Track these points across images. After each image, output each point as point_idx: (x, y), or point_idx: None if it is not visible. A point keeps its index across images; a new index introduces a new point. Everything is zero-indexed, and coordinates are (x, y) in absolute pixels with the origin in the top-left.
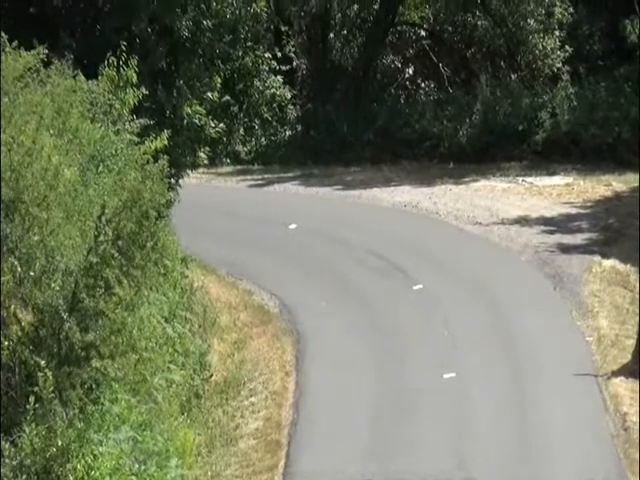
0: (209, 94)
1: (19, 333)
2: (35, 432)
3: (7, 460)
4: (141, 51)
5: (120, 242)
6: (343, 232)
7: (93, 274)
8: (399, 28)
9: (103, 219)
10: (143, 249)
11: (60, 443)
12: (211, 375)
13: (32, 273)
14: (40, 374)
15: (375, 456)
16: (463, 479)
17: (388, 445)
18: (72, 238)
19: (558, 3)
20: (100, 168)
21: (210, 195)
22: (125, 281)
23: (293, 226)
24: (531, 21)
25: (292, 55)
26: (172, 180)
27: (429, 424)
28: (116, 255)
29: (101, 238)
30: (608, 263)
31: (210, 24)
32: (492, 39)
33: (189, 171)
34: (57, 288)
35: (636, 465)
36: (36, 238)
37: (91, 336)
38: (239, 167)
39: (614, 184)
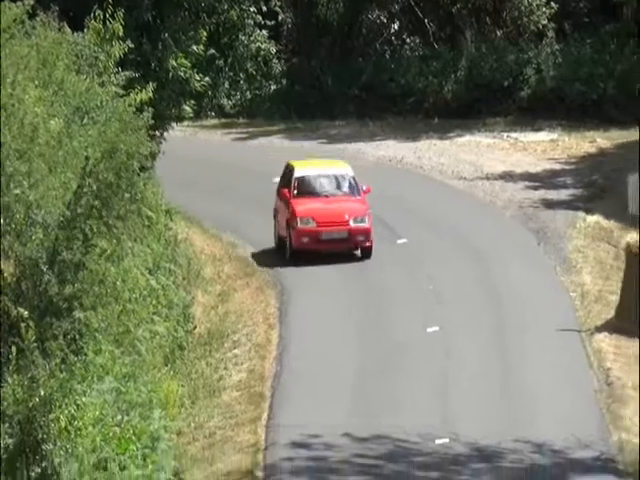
0: (194, 47)
1: (1, 283)
2: (17, 382)
3: None
4: (127, 4)
5: (100, 193)
6: None
7: (72, 226)
8: None
9: (87, 170)
10: (122, 200)
11: (43, 393)
12: (195, 327)
13: (13, 226)
14: (22, 324)
15: (358, 410)
16: (447, 433)
17: (371, 399)
18: (54, 189)
19: None
20: (85, 120)
21: (195, 148)
22: (105, 232)
23: (277, 179)
24: None
25: (277, 9)
26: (157, 132)
27: (413, 378)
28: (97, 205)
29: (85, 190)
30: (592, 219)
31: None
32: None
33: (174, 124)
34: (37, 241)
35: (619, 421)
36: (17, 191)
37: (70, 289)
38: (224, 120)
39: (599, 140)
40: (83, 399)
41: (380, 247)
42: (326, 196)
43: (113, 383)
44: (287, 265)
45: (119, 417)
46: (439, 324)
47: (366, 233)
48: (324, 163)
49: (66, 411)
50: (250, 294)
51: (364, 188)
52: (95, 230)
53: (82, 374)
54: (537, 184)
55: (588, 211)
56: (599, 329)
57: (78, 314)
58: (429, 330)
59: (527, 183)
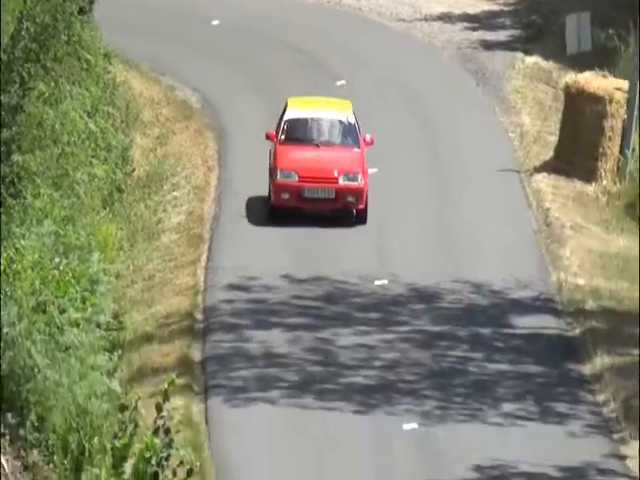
0: None
1: None
2: None
3: None
4: None
5: (38, 36)
6: (266, 28)
7: (10, 69)
8: None
9: (23, 13)
10: (60, 42)
11: None
12: (133, 169)
13: None
14: None
15: (297, 253)
16: (386, 275)
17: (310, 242)
18: None
19: None
20: None
21: None
22: (43, 74)
23: (216, 22)
24: None
25: None
26: None
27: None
28: (34, 48)
29: (22, 33)
30: (531, 60)
31: None
32: None
33: None
34: None
35: (558, 261)
36: None
37: (7, 132)
38: None
39: None
40: (22, 242)
41: (319, 89)
42: (317, 145)
43: (52, 226)
44: (226, 106)
45: (58, 260)
46: (379, 166)
47: (358, 193)
48: (324, 103)
49: (5, 254)
50: (189, 137)
51: (367, 138)
52: (33, 73)
53: (21, 218)
54: (475, 25)
55: (527, 52)
56: (538, 170)
57: (16, 157)
58: (370, 171)
59: (465, 24)
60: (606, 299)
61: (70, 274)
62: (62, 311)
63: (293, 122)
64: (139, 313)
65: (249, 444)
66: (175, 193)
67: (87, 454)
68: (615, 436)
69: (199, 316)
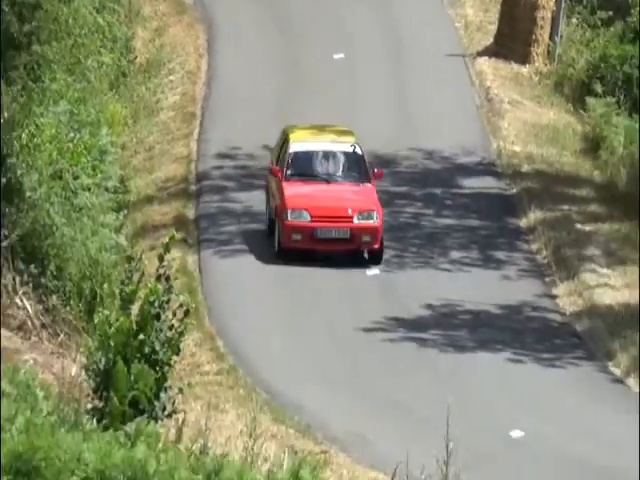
0: None
1: None
2: None
3: None
4: None
5: None
6: None
7: None
8: None
9: None
10: None
11: (6, 115)
12: (135, 57)
13: None
14: None
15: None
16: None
17: (289, 116)
18: None
19: None
20: None
21: None
22: None
23: None
24: None
25: None
26: None
27: (323, 99)
28: None
29: None
30: None
31: None
32: None
33: None
34: None
35: (498, 131)
36: None
37: (28, 26)
38: None
39: None
40: (41, 120)
41: None
42: (326, 181)
43: (67, 106)
44: (215, 2)
45: (72, 135)
46: (344, 52)
47: (374, 232)
48: (327, 132)
49: (27, 130)
50: (182, 29)
51: (375, 171)
52: None
53: (40, 99)
54: None
55: None
56: (480, 54)
57: (36, 47)
58: (335, 57)
59: None
60: (538, 163)
61: (82, 146)
62: (76, 177)
63: (298, 155)
64: (141, 179)
65: (236, 289)
66: (171, 77)
67: (99, 299)
68: (547, 279)
69: (192, 181)
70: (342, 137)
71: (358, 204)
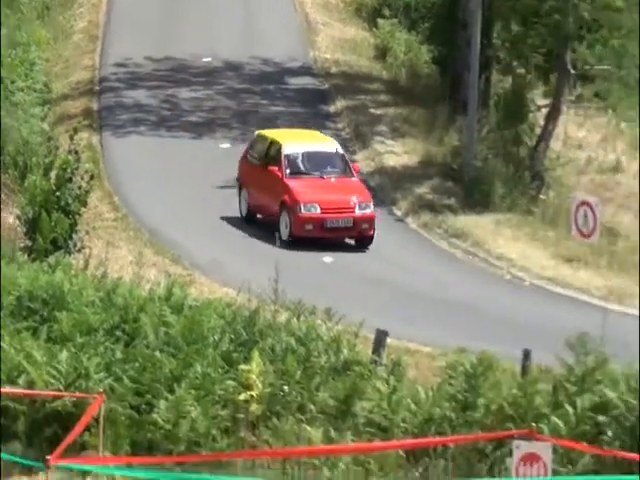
0: None
1: None
2: None
3: None
4: None
5: None
6: None
7: None
8: None
9: None
10: None
11: None
12: None
13: None
14: None
15: (157, 39)
16: (210, 54)
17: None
18: None
19: None
20: None
21: None
22: None
23: None
24: None
25: None
26: None
27: (190, 24)
28: None
29: None
30: None
31: None
32: None
33: None
34: None
35: (314, 44)
36: None
37: None
38: None
39: None
40: None
41: None
42: (321, 177)
43: (6, 31)
44: None
45: (10, 51)
46: None
47: (371, 221)
48: (313, 136)
49: None
50: None
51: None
52: None
53: None
54: None
55: None
56: None
57: None
58: None
59: None
60: (343, 66)
61: (17, 60)
62: (12, 82)
63: (294, 156)
64: (60, 82)
65: (127, 160)
66: (81, 9)
67: (28, 168)
68: (349, 149)
69: (96, 83)
70: (324, 140)
71: (357, 196)
